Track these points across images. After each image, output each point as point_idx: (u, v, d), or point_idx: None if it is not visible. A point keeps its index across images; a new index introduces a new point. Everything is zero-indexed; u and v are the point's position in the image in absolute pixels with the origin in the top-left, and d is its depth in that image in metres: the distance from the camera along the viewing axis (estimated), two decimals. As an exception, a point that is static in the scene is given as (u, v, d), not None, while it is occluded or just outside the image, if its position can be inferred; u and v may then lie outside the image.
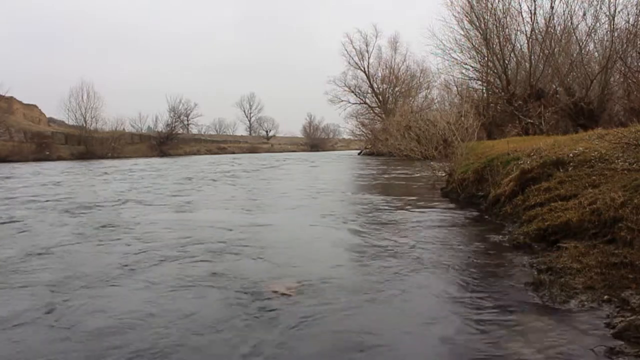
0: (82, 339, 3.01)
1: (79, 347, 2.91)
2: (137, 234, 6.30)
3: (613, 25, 15.93)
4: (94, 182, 15.19)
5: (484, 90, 21.92)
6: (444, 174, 11.48)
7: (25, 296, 3.84)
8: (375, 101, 46.51)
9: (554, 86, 18.08)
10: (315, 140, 73.62)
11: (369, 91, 46.69)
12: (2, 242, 5.94)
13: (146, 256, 5.08)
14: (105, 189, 12.65)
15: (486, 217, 7.31)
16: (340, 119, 55.02)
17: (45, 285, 4.10)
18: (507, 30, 19.77)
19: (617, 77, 16.81)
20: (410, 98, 40.89)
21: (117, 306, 3.59)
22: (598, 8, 16.75)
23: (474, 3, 20.24)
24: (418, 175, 15.79)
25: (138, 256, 5.09)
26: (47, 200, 10.05)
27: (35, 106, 45.47)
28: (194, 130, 60.72)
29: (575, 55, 17.44)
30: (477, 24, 20.28)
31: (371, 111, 46.89)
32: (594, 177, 5.79)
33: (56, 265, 4.77)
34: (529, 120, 16.55)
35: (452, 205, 8.89)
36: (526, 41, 19.15)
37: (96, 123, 41.14)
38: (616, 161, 6.07)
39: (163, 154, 44.05)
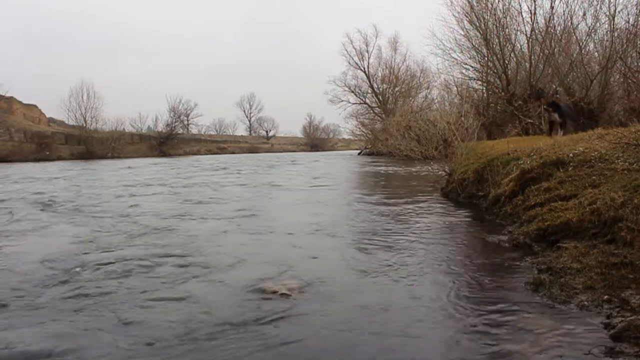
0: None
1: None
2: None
3: (613, 25, 15.95)
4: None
5: (484, 90, 21.91)
6: (444, 174, 11.48)
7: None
8: (375, 101, 46.47)
9: (554, 86, 18.09)
10: (316, 140, 73.60)
11: (369, 91, 46.66)
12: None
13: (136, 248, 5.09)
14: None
15: (486, 217, 7.31)
16: (340, 119, 54.82)
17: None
18: (507, 30, 19.78)
19: (617, 77, 16.80)
20: (410, 98, 40.81)
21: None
22: (598, 8, 16.77)
23: (474, 3, 20.25)
24: (418, 175, 15.79)
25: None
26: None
27: (35, 106, 45.48)
28: (194, 130, 60.73)
29: (575, 55, 17.45)
30: (477, 24, 20.28)
31: (371, 111, 46.84)
32: (594, 177, 5.78)
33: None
34: (529, 120, 16.55)
35: (452, 205, 8.89)
36: (526, 41, 19.15)
37: (96, 123, 41.16)
38: (616, 161, 6.06)
39: (163, 154, 44.04)
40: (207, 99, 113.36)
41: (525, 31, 19.13)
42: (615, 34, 15.83)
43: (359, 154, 48.04)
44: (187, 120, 54.23)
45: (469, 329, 3.10)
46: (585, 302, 3.34)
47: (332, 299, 3.74)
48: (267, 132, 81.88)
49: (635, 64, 15.19)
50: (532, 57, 18.68)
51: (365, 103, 47.11)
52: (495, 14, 19.67)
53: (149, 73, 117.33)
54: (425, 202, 9.35)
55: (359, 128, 47.86)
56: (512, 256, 4.80)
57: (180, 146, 49.14)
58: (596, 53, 18.14)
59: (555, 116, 10.39)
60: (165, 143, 46.94)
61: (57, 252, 5.22)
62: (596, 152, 6.59)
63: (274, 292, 3.83)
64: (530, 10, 18.60)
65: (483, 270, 4.48)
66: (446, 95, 25.44)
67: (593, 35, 17.57)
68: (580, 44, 17.49)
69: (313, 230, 6.64)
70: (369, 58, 46.24)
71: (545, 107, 10.66)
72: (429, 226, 6.75)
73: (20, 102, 41.89)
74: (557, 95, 16.50)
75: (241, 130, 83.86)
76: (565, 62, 17.79)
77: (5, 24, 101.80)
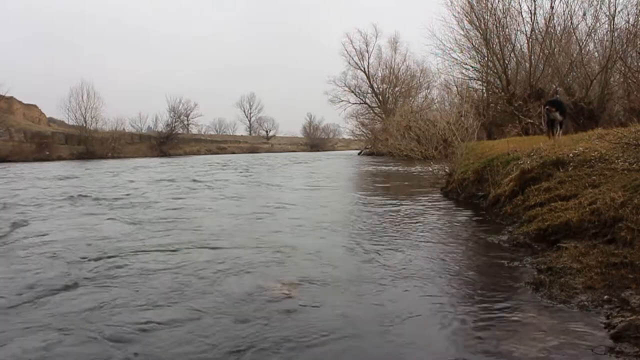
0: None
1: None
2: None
3: (613, 25, 15.96)
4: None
5: (484, 90, 21.94)
6: (444, 174, 11.47)
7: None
8: (375, 101, 46.51)
9: (554, 86, 18.10)
10: (316, 140, 73.66)
11: (369, 91, 46.72)
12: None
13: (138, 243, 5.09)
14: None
15: (486, 217, 7.31)
16: (340, 119, 54.87)
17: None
18: (507, 30, 19.82)
19: (617, 77, 16.82)
20: (410, 98, 40.87)
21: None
22: (598, 8, 16.78)
23: (474, 3, 20.27)
24: (418, 175, 15.79)
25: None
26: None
27: (35, 106, 45.49)
28: (194, 130, 60.66)
29: (575, 55, 17.45)
30: (477, 24, 20.30)
31: (371, 111, 46.89)
32: (594, 177, 5.78)
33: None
34: (529, 120, 16.55)
35: (452, 205, 8.88)
36: (526, 41, 19.19)
37: (96, 123, 41.23)
38: (616, 161, 6.06)
39: (163, 154, 44.06)
40: (207, 99, 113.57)
41: (525, 31, 19.18)
42: (615, 34, 15.84)
43: (359, 154, 48.06)
44: (187, 120, 54.33)
45: (469, 329, 3.10)
46: (585, 302, 3.34)
47: (332, 298, 3.74)
48: (267, 132, 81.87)
49: (635, 64, 15.21)
50: (532, 57, 18.71)
51: (365, 103, 47.18)
52: (495, 14, 19.70)
53: (149, 73, 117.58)
54: (426, 202, 9.35)
55: (359, 128, 47.95)
56: (512, 256, 4.80)
57: (180, 146, 49.17)
58: (596, 53, 18.16)
59: (557, 114, 10.23)
60: (165, 143, 46.97)
61: (64, 247, 5.24)
62: (596, 152, 6.59)
63: (274, 292, 3.84)
64: (530, 10, 18.65)
65: (483, 270, 4.48)
66: (446, 95, 25.50)
67: (593, 35, 17.59)
68: (580, 44, 17.50)
69: (313, 231, 6.64)
70: (369, 58, 46.36)
71: (546, 106, 10.47)
72: (429, 226, 6.75)
73: (20, 102, 41.90)
74: (557, 95, 16.52)
75: (241, 130, 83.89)
76: (565, 62, 17.80)
77: (6, 24, 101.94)
